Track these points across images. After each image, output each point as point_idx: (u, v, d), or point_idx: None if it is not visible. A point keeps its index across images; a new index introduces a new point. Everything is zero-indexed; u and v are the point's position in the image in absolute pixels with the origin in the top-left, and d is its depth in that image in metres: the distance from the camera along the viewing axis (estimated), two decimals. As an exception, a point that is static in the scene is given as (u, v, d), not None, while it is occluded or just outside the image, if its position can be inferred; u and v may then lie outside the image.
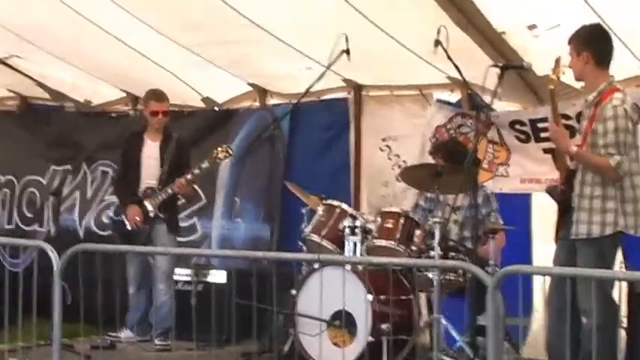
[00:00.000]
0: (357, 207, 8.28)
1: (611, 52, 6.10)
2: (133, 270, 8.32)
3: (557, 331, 5.94)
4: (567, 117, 8.08)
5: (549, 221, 6.74)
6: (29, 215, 10.86)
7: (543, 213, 8.06)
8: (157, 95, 8.42)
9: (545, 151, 8.23)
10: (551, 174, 8.22)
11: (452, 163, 7.32)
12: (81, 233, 10.46)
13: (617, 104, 5.89)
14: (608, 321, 5.61)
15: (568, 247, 6.03)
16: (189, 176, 8.09)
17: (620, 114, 5.86)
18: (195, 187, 8.56)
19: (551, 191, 6.23)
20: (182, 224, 9.16)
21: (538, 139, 8.30)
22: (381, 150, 9.12)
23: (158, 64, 9.29)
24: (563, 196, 6.09)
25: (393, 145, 9.05)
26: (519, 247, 7.85)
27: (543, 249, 8.10)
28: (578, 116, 7.94)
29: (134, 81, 9.86)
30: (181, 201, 8.71)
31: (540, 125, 8.23)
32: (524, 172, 8.44)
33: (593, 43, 6.04)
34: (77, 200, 10.64)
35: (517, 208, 8.14)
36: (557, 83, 6.02)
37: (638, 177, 5.99)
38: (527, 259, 7.96)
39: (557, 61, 5.98)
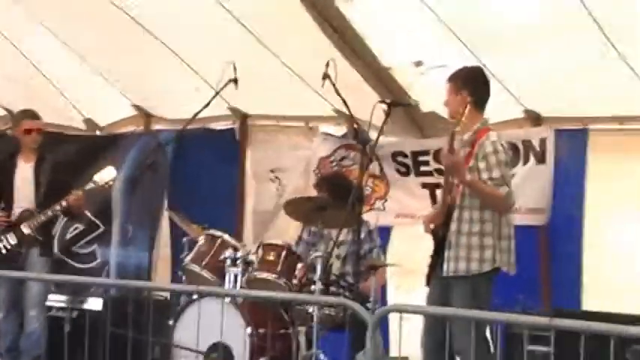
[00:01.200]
0: (239, 238, 8.18)
1: (488, 95, 6.22)
2: (2, 294, 8.03)
3: None
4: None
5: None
6: None
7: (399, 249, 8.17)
8: (29, 113, 8.19)
9: (423, 185, 8.32)
10: (427, 209, 8.34)
11: (336, 197, 7.28)
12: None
13: (495, 140, 6.04)
14: None
15: (442, 287, 6.05)
16: (87, 187, 7.88)
17: (500, 149, 6.01)
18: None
19: (436, 232, 6.23)
20: (82, 251, 9.04)
21: (418, 173, 8.39)
22: (272, 181, 9.07)
23: (42, 72, 9.15)
24: (439, 235, 6.12)
25: (281, 176, 9.01)
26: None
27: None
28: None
29: (15, 94, 9.60)
30: (61, 226, 8.50)
31: (421, 158, 8.35)
32: (401, 207, 8.54)
33: (472, 85, 6.13)
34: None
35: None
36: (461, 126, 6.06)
37: (511, 215, 6.13)
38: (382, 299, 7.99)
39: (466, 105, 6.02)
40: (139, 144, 9.59)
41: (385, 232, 8.39)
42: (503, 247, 5.99)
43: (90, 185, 7.92)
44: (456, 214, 6.04)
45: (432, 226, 6.25)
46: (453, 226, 6.03)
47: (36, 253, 7.97)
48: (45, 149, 8.22)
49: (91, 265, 9.71)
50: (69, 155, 9.37)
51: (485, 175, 5.97)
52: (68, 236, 9.72)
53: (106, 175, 7.95)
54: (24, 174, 8.09)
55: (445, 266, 5.99)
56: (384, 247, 8.14)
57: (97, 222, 9.73)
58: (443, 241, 6.08)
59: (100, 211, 9.66)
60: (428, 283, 6.16)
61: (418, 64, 7.46)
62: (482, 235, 5.96)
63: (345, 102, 7.18)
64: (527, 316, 4.94)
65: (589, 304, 7.52)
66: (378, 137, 6.47)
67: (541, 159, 7.72)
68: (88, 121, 9.96)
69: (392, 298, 8.12)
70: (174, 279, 8.83)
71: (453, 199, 6.10)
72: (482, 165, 5.99)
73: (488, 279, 6.01)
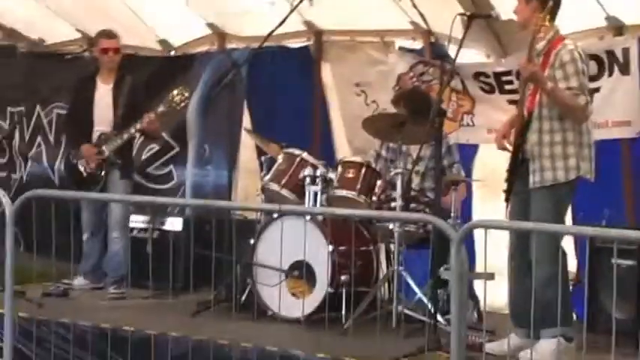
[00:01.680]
0: (316, 155, 8.12)
1: (559, 3, 6.04)
2: (86, 216, 8.13)
3: (520, 285, 5.92)
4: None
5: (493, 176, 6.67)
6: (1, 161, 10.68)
7: (487, 167, 8.03)
8: (106, 33, 8.20)
9: (510, 102, 8.13)
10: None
11: (414, 112, 7.15)
12: (56, 180, 10.29)
13: (573, 48, 5.89)
14: (558, 271, 5.58)
15: (522, 202, 5.96)
16: (160, 109, 7.89)
17: (577, 57, 5.87)
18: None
19: (517, 145, 6.11)
20: (158, 172, 9.24)
21: (502, 91, 8.19)
22: (357, 95, 8.95)
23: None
24: (518, 148, 6.01)
25: (368, 91, 8.87)
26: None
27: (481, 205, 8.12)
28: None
29: (91, 17, 9.59)
30: (137, 147, 8.54)
31: (504, 78, 8.12)
32: (491, 121, 8.28)
33: None
34: (42, 146, 10.48)
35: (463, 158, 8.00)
36: (539, 27, 5.89)
37: (591, 123, 6.05)
38: (467, 214, 7.90)
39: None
40: (213, 64, 9.54)
41: (471, 148, 8.28)
42: (585, 155, 5.90)
43: (162, 107, 7.92)
44: (535, 126, 5.92)
45: (506, 142, 6.14)
46: (534, 137, 5.92)
47: (116, 175, 8.03)
48: (123, 70, 8.23)
49: (167, 185, 9.77)
50: (145, 77, 9.33)
51: (563, 85, 5.84)
52: (143, 157, 9.79)
53: (178, 96, 7.94)
54: (103, 96, 8.13)
55: (531, 178, 5.90)
56: (471, 162, 8.06)
57: (172, 143, 9.76)
58: (519, 155, 5.97)
59: (175, 131, 9.70)
60: (507, 199, 6.06)
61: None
62: (565, 144, 5.87)
63: (422, 15, 7.06)
64: (616, 230, 4.81)
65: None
66: (458, 51, 6.29)
67: (625, 70, 7.49)
68: (163, 42, 9.93)
69: (478, 213, 8.01)
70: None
71: (528, 111, 5.97)
72: (559, 74, 5.85)
73: (572, 187, 5.94)
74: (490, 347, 5.83)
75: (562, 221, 5.90)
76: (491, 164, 7.53)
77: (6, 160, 10.72)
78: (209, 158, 9.64)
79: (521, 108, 6.06)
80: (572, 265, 6.99)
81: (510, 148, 6.09)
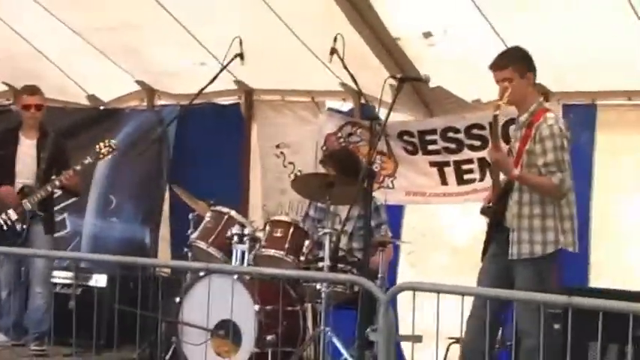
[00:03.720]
0: (245, 214, 8.12)
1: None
2: (4, 273, 7.97)
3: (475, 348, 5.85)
4: (456, 130, 8.14)
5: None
6: None
7: (415, 232, 8.11)
8: (28, 88, 8.11)
9: (431, 164, 8.26)
10: (437, 187, 8.30)
11: (343, 173, 7.22)
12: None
13: (552, 123, 5.88)
14: (548, 341, 5.57)
15: (499, 265, 5.98)
16: (77, 167, 7.82)
17: (557, 132, 5.85)
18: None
19: (484, 211, 6.17)
20: None
21: (425, 152, 8.33)
22: (277, 157, 9.00)
23: (43, 53, 9.06)
24: (495, 215, 6.06)
25: (287, 152, 8.94)
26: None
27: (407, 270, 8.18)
28: (467, 130, 8.06)
29: (17, 71, 9.52)
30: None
31: (428, 137, 8.27)
32: (410, 184, 8.46)
33: (532, 64, 6.00)
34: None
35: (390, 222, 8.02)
36: (501, 109, 5.93)
37: (573, 194, 6.00)
38: (393, 276, 7.98)
39: (505, 88, 5.88)
40: (140, 118, 9.52)
41: (397, 210, 8.36)
42: (566, 228, 5.90)
43: (88, 159, 7.84)
44: (515, 197, 5.94)
45: (482, 206, 6.18)
46: (514, 209, 5.93)
47: (39, 230, 7.90)
48: (47, 125, 8.15)
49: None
50: (70, 130, 9.27)
51: (540, 160, 5.85)
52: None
53: (105, 148, 7.88)
54: (26, 150, 8.02)
55: (510, 249, 5.90)
56: (398, 225, 8.11)
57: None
58: (494, 220, 6.02)
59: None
60: (482, 259, 6.10)
61: (427, 35, 7.39)
62: (543, 217, 5.87)
63: (353, 77, 7.13)
64: (544, 294, 4.86)
65: (597, 282, 7.48)
66: (388, 114, 6.34)
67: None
68: (92, 97, 9.89)
69: (404, 276, 8.07)
70: (175, 256, 8.80)
71: (506, 180, 6.02)
72: (538, 148, 5.87)
73: (552, 260, 5.94)
74: None
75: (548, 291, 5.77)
76: (420, 226, 7.61)
77: None
78: (115, 210, 9.53)
79: (495, 177, 6.09)
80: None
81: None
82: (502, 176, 6.07)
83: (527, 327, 5.47)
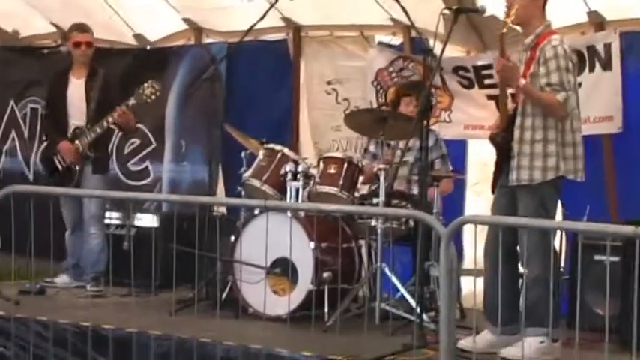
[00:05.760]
0: (296, 151, 8.05)
1: None
2: (66, 212, 8.01)
3: (494, 281, 5.74)
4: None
5: (485, 172, 6.63)
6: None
7: (479, 163, 8.00)
8: (79, 26, 8.07)
9: (489, 97, 8.11)
10: (494, 120, 8.16)
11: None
12: (30, 176, 10.18)
13: (557, 44, 5.78)
14: (549, 270, 5.53)
15: (508, 195, 5.89)
16: (130, 101, 7.77)
17: (561, 53, 5.75)
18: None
19: (493, 138, 6.08)
20: (135, 168, 9.20)
21: (482, 86, 8.19)
22: (328, 93, 8.91)
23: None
24: (504, 143, 5.95)
25: (339, 88, 8.83)
26: (452, 196, 7.72)
27: (475, 201, 8.10)
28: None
29: (66, 11, 9.47)
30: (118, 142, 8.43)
31: (484, 72, 8.13)
32: (468, 118, 8.32)
33: None
34: (16, 141, 10.38)
35: (453, 156, 7.91)
36: (509, 27, 5.84)
37: (578, 121, 5.89)
38: (459, 209, 7.91)
39: (512, 5, 5.79)
40: (191, 58, 9.47)
41: (460, 143, 8.30)
42: (567, 155, 5.79)
43: (132, 100, 7.79)
44: (518, 122, 5.84)
45: (490, 133, 6.10)
46: (516, 134, 5.83)
47: (89, 171, 7.91)
48: (96, 64, 8.11)
49: (144, 182, 9.73)
50: (119, 70, 9.26)
51: (544, 80, 5.75)
52: (126, 151, 9.79)
53: (148, 88, 7.82)
54: (76, 90, 8.00)
55: (510, 175, 5.83)
56: (463, 159, 8.05)
57: (151, 138, 9.69)
58: (504, 149, 5.91)
59: (153, 127, 9.67)
60: (493, 191, 6.01)
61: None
62: (545, 143, 5.76)
63: (404, 9, 7.01)
64: (608, 225, 4.77)
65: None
66: (444, 47, 6.22)
67: (607, 65, 7.48)
68: (138, 37, 9.83)
69: (471, 206, 8.06)
70: (227, 195, 8.79)
71: (515, 106, 5.92)
72: (542, 70, 5.77)
73: (554, 187, 5.82)
74: (462, 343, 5.70)
75: (551, 219, 5.78)
76: (483, 159, 7.50)
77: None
78: (185, 154, 9.58)
79: (503, 103, 6.00)
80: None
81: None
82: (510, 104, 5.96)
83: (529, 254, 5.37)
